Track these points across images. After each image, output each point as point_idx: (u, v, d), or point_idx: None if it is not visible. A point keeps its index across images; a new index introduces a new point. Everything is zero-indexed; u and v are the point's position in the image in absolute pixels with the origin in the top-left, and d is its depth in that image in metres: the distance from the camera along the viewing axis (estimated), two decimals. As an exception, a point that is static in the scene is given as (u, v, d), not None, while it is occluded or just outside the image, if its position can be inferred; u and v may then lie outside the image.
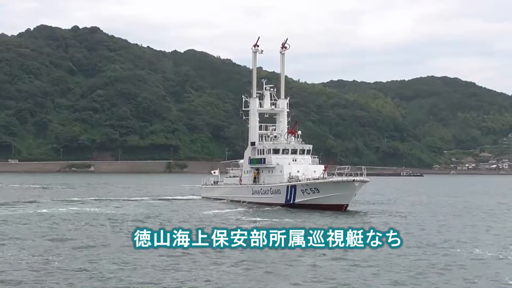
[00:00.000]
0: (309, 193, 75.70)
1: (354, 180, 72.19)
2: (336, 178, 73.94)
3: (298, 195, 76.67)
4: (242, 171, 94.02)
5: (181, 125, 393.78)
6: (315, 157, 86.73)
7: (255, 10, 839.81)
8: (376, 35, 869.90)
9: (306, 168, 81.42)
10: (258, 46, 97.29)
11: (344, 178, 73.48)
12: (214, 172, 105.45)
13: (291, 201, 77.47)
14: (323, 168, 79.76)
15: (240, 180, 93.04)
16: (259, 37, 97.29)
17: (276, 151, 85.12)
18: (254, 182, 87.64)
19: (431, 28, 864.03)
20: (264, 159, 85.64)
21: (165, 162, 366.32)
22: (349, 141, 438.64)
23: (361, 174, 74.48)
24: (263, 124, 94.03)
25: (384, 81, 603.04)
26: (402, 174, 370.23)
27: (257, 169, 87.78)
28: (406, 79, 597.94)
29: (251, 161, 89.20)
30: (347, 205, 73.54)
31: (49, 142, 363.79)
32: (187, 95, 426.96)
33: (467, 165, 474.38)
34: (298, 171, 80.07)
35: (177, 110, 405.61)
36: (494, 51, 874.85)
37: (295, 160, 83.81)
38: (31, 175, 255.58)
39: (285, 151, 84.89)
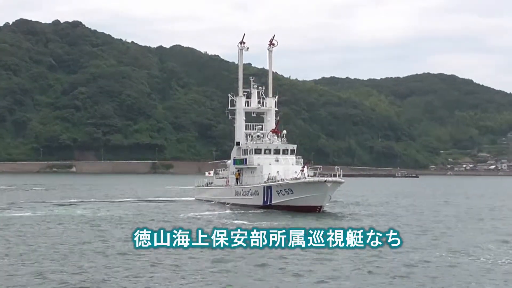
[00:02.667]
0: (284, 194, 74.40)
1: (326, 181, 70.40)
2: (308, 179, 72.20)
3: (274, 196, 75.47)
4: (229, 172, 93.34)
5: (166, 124, 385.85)
6: (299, 157, 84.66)
7: (244, 4, 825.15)
8: (370, 30, 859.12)
9: (287, 168, 79.08)
10: (244, 43, 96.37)
11: (316, 178, 71.91)
12: (209, 173, 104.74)
13: (268, 203, 76.21)
14: (301, 169, 76.05)
15: (227, 181, 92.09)
16: (244, 34, 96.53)
17: (258, 151, 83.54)
18: (236, 183, 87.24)
19: (427, 23, 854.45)
20: (246, 159, 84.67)
21: (150, 162, 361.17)
22: (341, 140, 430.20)
23: (335, 175, 72.68)
24: (250, 124, 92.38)
25: (378, 78, 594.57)
26: (396, 175, 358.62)
27: (240, 169, 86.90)
28: (401, 76, 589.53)
29: (235, 161, 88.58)
30: (321, 206, 71.98)
31: (28, 141, 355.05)
32: (173, 93, 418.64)
33: (464, 165, 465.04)
34: (278, 172, 77.82)
35: (163, 108, 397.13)
36: (492, 47, 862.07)
37: (277, 161, 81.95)
38: (10, 176, 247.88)
39: (267, 151, 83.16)
